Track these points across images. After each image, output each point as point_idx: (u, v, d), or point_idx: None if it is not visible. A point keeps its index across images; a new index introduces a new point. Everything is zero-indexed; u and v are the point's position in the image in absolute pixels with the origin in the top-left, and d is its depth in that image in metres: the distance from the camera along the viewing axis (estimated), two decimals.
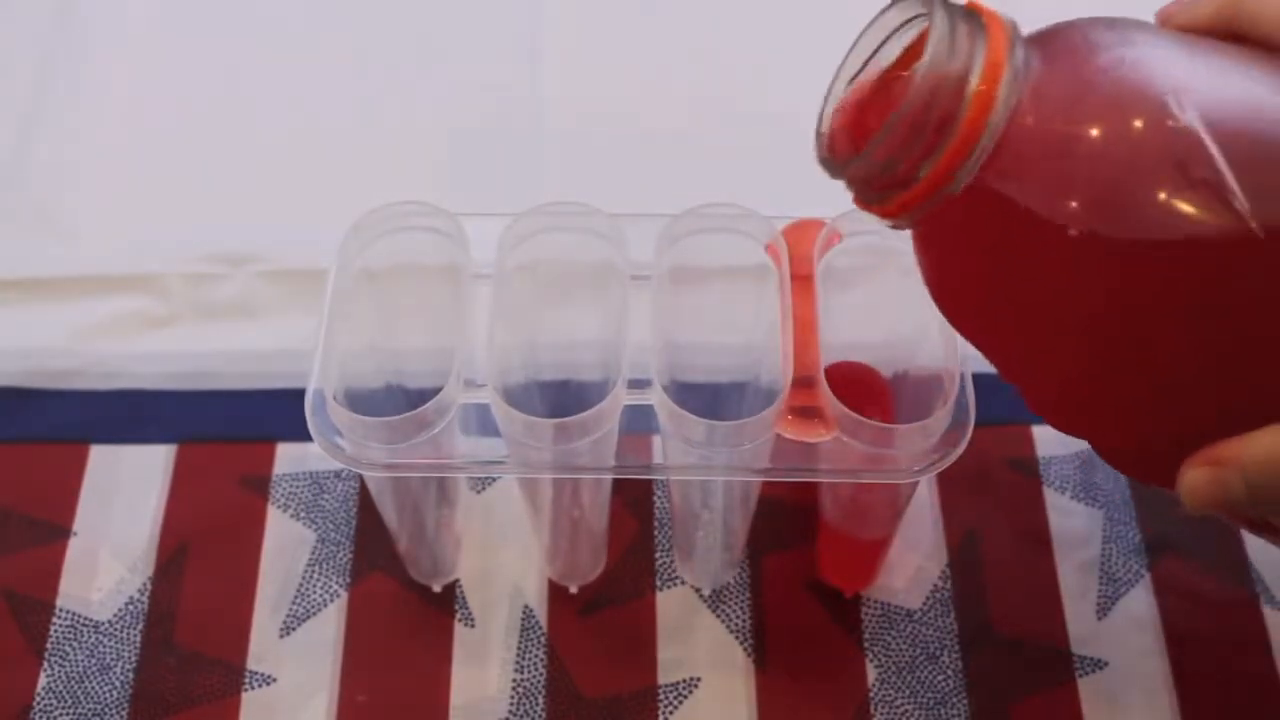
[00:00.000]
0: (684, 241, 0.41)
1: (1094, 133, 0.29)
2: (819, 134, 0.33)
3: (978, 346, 0.35)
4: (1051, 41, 0.31)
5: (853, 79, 0.33)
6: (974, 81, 0.29)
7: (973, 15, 0.30)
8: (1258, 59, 0.31)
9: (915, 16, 0.31)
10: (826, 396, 0.37)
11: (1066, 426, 0.34)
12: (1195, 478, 0.31)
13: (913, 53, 0.30)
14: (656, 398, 0.38)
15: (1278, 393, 0.30)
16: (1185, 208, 0.28)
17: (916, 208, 0.31)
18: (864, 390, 0.42)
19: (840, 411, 0.37)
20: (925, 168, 0.30)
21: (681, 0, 0.60)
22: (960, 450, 0.37)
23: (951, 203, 0.30)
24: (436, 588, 0.46)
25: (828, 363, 0.39)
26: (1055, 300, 0.30)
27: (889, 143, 0.30)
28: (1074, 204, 0.29)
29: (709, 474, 0.39)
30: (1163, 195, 0.28)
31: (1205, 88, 0.29)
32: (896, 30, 0.32)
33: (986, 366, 0.34)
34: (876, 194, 0.31)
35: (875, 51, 0.33)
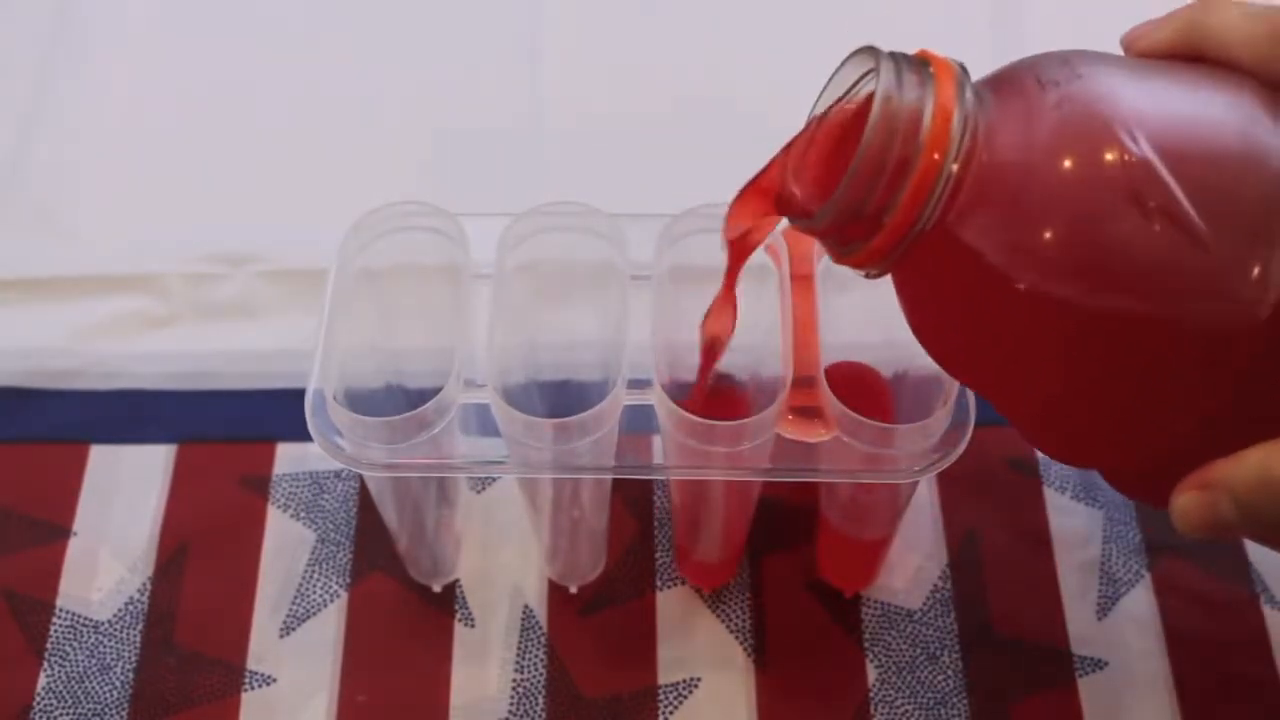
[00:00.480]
0: (684, 241, 0.41)
1: (1048, 168, 0.29)
2: (792, 201, 0.33)
3: (967, 384, 0.35)
4: (1004, 82, 0.31)
5: (811, 140, 0.33)
6: (926, 126, 0.30)
7: (921, 63, 0.31)
8: (1218, 80, 0.31)
9: (869, 71, 0.32)
10: (826, 396, 0.37)
11: (1060, 456, 0.34)
12: (1186, 503, 0.31)
13: (871, 105, 0.30)
14: (656, 398, 0.38)
15: (1258, 410, 0.30)
16: (1143, 236, 0.28)
17: (884, 256, 0.31)
18: (864, 390, 0.42)
19: (840, 411, 0.37)
20: (887, 215, 0.30)
21: (681, 0, 0.60)
22: (960, 450, 0.37)
23: (919, 247, 0.31)
24: (436, 588, 0.46)
25: (828, 363, 0.39)
26: (1028, 334, 0.30)
27: (849, 193, 0.30)
28: (1034, 238, 0.29)
29: (709, 474, 0.39)
30: (1120, 225, 0.29)
31: (1160, 116, 0.29)
32: (854, 85, 0.32)
33: None
34: (847, 246, 0.32)
35: (835, 104, 0.33)
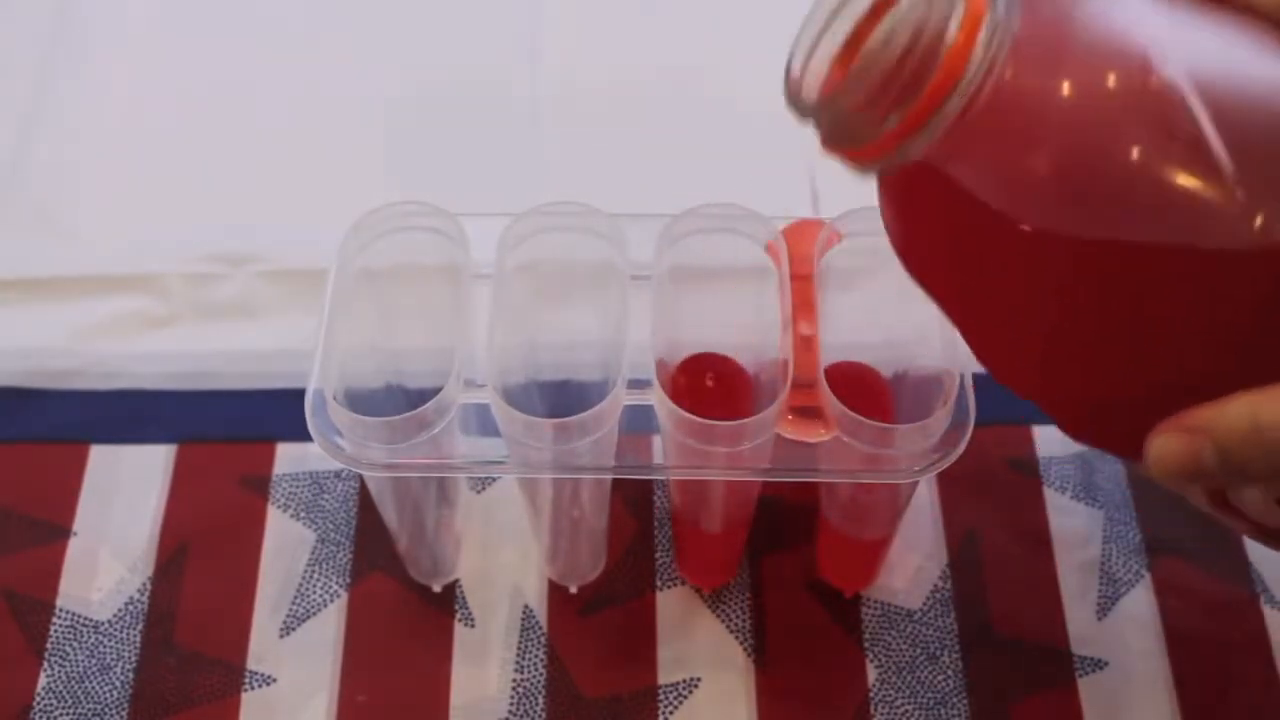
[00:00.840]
0: (684, 241, 0.41)
1: (1073, 84, 0.28)
2: (788, 77, 0.32)
3: (938, 302, 0.34)
4: None
5: (828, 24, 0.32)
6: (952, 31, 0.29)
7: None
8: (1242, 23, 0.31)
9: None
10: (826, 396, 0.37)
11: (1021, 389, 0.33)
12: (1165, 444, 0.30)
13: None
14: (656, 398, 0.38)
15: (1248, 357, 0.29)
16: (1164, 163, 0.28)
17: (885, 155, 0.30)
18: (864, 390, 0.42)
19: (840, 411, 0.37)
20: (899, 115, 0.29)
21: (681, 0, 0.60)
22: (960, 450, 0.37)
23: (927, 155, 0.30)
24: (436, 588, 0.46)
25: (828, 363, 0.39)
26: (1034, 251, 0.29)
27: (865, 85, 0.29)
28: (1051, 157, 0.28)
29: (709, 474, 0.39)
30: (1141, 149, 0.28)
31: (1189, 46, 0.29)
32: None
33: None
34: (848, 135, 0.30)
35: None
